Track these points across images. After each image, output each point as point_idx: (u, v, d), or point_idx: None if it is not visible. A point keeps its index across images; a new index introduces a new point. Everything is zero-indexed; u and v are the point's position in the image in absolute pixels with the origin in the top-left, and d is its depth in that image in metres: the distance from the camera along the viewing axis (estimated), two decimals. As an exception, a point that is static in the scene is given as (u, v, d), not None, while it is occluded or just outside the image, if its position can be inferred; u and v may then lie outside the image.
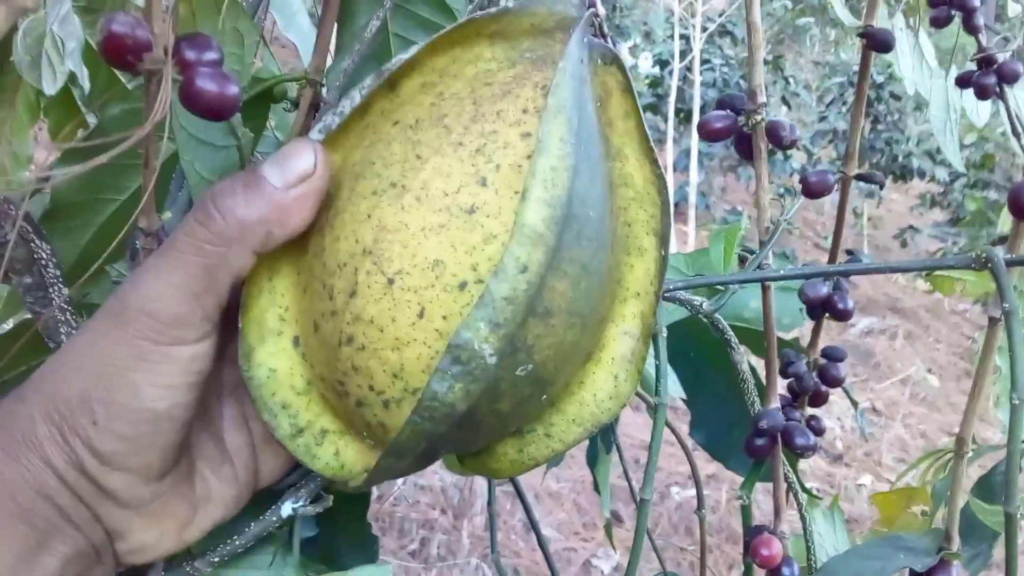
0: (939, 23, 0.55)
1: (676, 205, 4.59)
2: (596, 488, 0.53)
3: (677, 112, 4.75)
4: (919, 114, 5.19)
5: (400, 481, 2.13)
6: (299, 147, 0.30)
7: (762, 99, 0.44)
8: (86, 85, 0.59)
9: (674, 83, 4.32)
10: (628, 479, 0.79)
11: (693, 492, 2.37)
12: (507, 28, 0.31)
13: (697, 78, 4.28)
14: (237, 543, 0.33)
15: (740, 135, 0.45)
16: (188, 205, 0.36)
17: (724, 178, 5.78)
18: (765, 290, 0.44)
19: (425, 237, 0.28)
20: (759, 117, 0.44)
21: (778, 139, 0.44)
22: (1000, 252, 0.37)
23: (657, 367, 0.37)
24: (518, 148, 0.29)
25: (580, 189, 0.29)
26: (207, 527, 0.32)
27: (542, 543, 0.54)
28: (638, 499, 0.39)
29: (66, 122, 0.62)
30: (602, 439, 0.47)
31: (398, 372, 0.29)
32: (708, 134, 0.45)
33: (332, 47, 0.39)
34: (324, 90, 0.39)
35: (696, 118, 4.15)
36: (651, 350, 0.35)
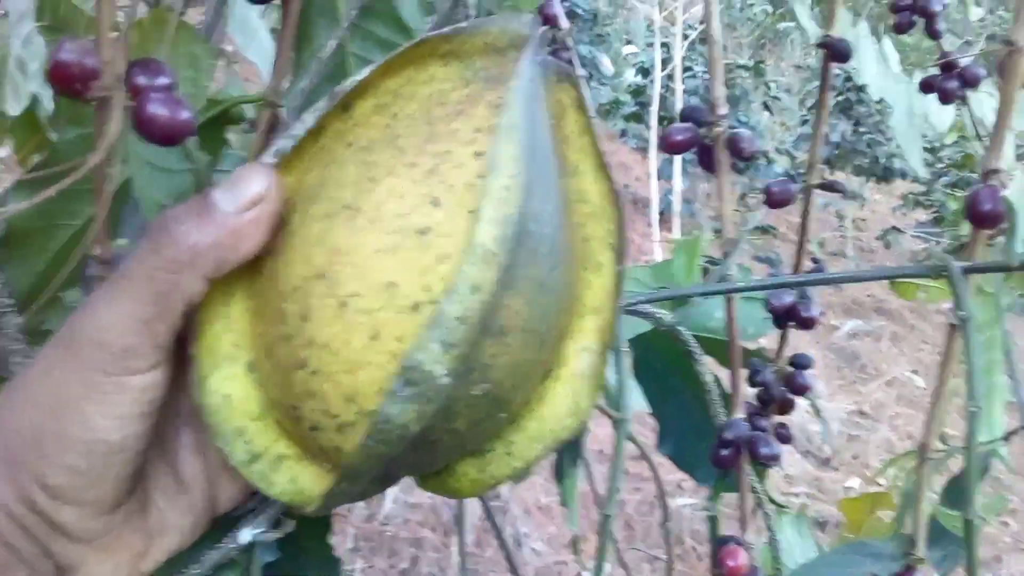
0: (901, 28, 0.56)
1: (661, 213, 4.59)
2: (563, 503, 0.53)
3: (660, 120, 4.77)
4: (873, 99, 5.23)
5: (390, 500, 2.12)
6: (251, 171, 0.30)
7: (722, 111, 0.45)
8: (49, 106, 0.59)
9: (656, 91, 4.33)
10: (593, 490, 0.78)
11: (680, 501, 2.37)
12: (460, 48, 0.31)
13: (679, 86, 4.30)
14: (195, 573, 0.33)
15: (702, 147, 0.45)
16: (142, 232, 0.36)
17: (709, 184, 5.80)
18: (729, 301, 0.44)
19: (378, 259, 0.28)
20: (719, 129, 0.44)
21: (738, 151, 0.44)
22: (954, 260, 0.37)
23: (619, 382, 0.37)
24: (471, 167, 0.29)
25: (534, 207, 0.29)
26: (162, 558, 0.32)
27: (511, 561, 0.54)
28: (600, 514, 0.39)
29: (29, 142, 0.62)
30: (567, 454, 0.47)
31: (352, 395, 0.28)
32: (670, 147, 0.45)
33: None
34: (283, 111, 0.39)
35: (679, 124, 4.17)
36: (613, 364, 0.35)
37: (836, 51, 0.48)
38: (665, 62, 4.44)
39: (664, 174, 4.94)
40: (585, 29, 5.71)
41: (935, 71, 0.55)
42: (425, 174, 0.29)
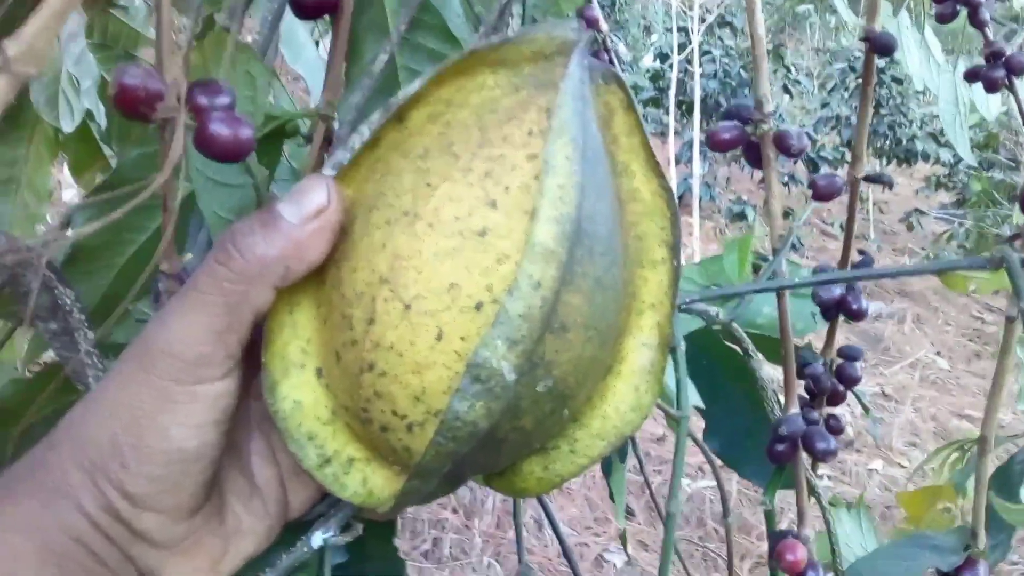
0: (944, 19, 0.55)
1: (680, 197, 4.58)
2: (612, 497, 0.54)
3: (678, 104, 4.75)
4: (922, 97, 5.17)
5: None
6: (313, 184, 0.31)
7: (769, 108, 0.45)
8: (103, 121, 0.60)
9: (674, 76, 4.31)
10: (645, 476, 0.79)
11: (701, 484, 2.37)
12: (509, 56, 0.32)
13: (697, 70, 4.27)
14: (269, 575, 0.34)
15: (748, 144, 0.45)
16: (208, 245, 0.37)
17: (728, 168, 5.77)
18: (780, 297, 0.44)
19: (439, 261, 0.29)
20: (766, 127, 0.44)
21: (786, 148, 0.44)
22: (1014, 251, 0.37)
23: (677, 380, 0.37)
24: (525, 169, 0.30)
25: (588, 206, 0.29)
26: (239, 562, 0.33)
27: (561, 539, 0.54)
28: (664, 511, 0.39)
29: (85, 157, 0.63)
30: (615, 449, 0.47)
31: (420, 395, 0.29)
32: (717, 145, 0.45)
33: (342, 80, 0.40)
34: (336, 124, 0.39)
35: (697, 109, 4.14)
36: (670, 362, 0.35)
37: (879, 44, 0.48)
38: (682, 46, 4.41)
39: (683, 159, 4.92)
40: (603, 15, 5.68)
41: (980, 61, 0.55)
42: (480, 178, 0.29)
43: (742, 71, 5.11)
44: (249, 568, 0.33)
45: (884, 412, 3.24)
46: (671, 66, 4.41)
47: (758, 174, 5.46)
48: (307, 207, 0.30)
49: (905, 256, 5.28)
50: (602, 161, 0.31)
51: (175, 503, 0.30)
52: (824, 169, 5.12)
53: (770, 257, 0.44)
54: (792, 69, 5.43)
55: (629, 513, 2.25)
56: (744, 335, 0.42)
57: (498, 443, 0.30)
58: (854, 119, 5.28)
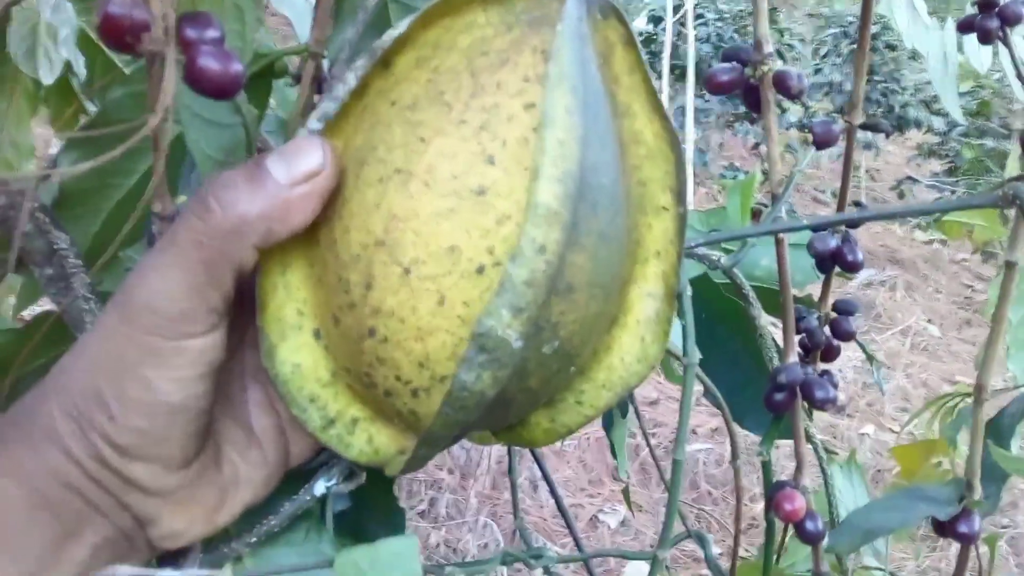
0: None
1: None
2: (613, 453, 0.53)
3: (672, 69, 4.71)
4: (915, 64, 5.14)
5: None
6: (307, 144, 0.29)
7: (768, 49, 0.43)
8: (82, 72, 0.58)
9: (668, 39, 4.27)
10: (646, 437, 0.79)
11: (695, 447, 2.38)
12: None
13: (691, 33, 4.23)
14: (272, 523, 0.34)
15: (747, 87, 0.44)
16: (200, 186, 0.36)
17: (721, 134, 5.75)
18: (779, 243, 0.44)
19: (437, 223, 0.28)
20: (766, 68, 0.43)
21: (786, 88, 0.43)
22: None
23: (684, 327, 0.37)
24: (523, 120, 0.28)
25: (591, 158, 0.28)
26: (238, 511, 0.33)
27: (557, 498, 0.54)
28: (672, 460, 0.39)
29: (65, 109, 0.61)
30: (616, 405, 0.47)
31: (424, 361, 0.28)
32: (715, 87, 0.44)
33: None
34: (326, 63, 0.38)
35: (691, 74, 4.11)
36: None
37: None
38: (676, 8, 4.37)
39: (676, 123, 4.89)
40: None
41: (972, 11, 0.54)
42: (475, 131, 0.28)
43: (735, 35, 5.07)
44: (252, 515, 0.33)
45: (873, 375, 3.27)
46: (664, 29, 4.38)
47: (751, 140, 5.44)
48: (299, 168, 0.29)
49: (896, 223, 5.28)
50: (603, 104, 0.30)
51: (165, 453, 0.30)
52: (817, 136, 5.09)
53: (769, 205, 0.44)
54: (785, 34, 5.39)
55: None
56: (745, 283, 0.41)
57: (506, 404, 0.30)
58: (847, 85, 5.26)
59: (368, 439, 0.31)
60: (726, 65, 0.43)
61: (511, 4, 0.30)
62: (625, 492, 0.60)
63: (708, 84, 0.43)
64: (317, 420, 0.31)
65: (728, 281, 0.46)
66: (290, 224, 0.29)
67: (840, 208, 0.52)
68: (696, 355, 0.36)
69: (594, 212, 0.28)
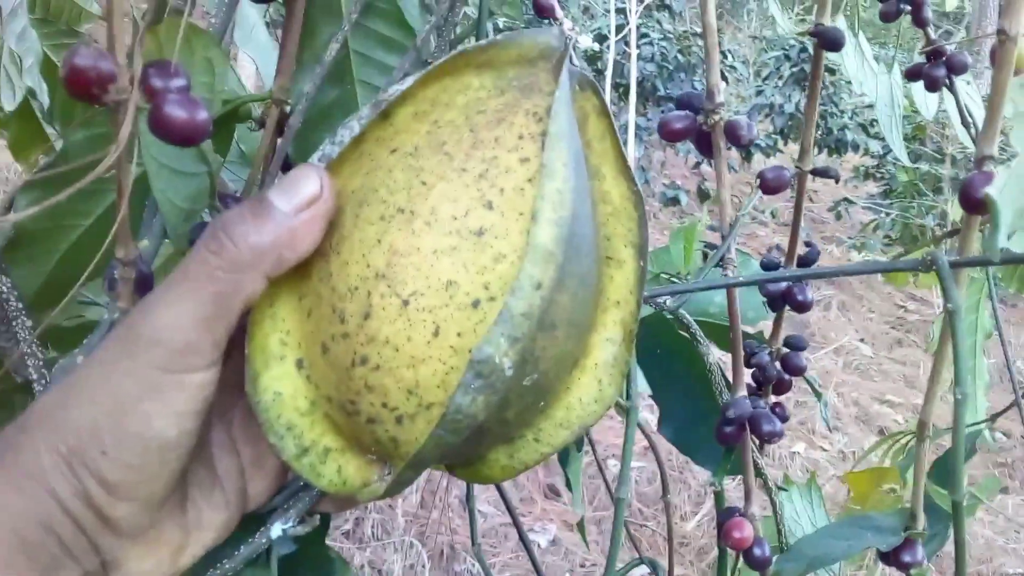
0: (889, 17, 0.57)
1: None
2: (568, 486, 0.54)
3: (615, 87, 4.77)
4: (852, 88, 5.28)
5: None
6: (305, 173, 0.31)
7: (720, 99, 0.45)
8: (45, 100, 0.58)
9: (611, 57, 4.31)
10: (598, 462, 0.80)
11: (633, 464, 2.41)
12: (493, 59, 0.33)
13: (634, 52, 4.29)
14: (228, 566, 0.34)
15: (700, 134, 0.46)
16: (163, 232, 0.36)
17: (664, 152, 5.83)
18: (730, 289, 0.45)
19: (437, 259, 0.29)
20: (717, 117, 0.45)
21: (736, 138, 0.45)
22: (943, 254, 0.39)
23: (628, 372, 0.38)
24: (519, 172, 0.31)
25: (578, 209, 0.30)
26: (199, 553, 0.33)
27: (525, 542, 0.54)
28: (613, 497, 0.40)
29: (26, 137, 0.61)
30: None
31: (413, 388, 0.30)
32: (669, 134, 0.46)
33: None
34: (288, 108, 0.38)
35: (633, 93, 4.16)
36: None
37: (827, 40, 0.49)
38: (620, 28, 4.42)
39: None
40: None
41: (917, 60, 0.56)
42: (476, 179, 0.30)
43: (679, 55, 5.16)
44: (208, 559, 0.33)
45: (807, 396, 3.33)
46: (608, 47, 4.43)
47: (692, 159, 5.54)
48: (300, 196, 0.30)
49: (833, 244, 5.41)
50: (583, 166, 0.33)
51: (149, 492, 0.30)
52: (757, 156, 5.21)
53: (716, 244, 0.45)
54: (728, 55, 5.50)
55: (554, 493, 2.28)
56: (692, 322, 0.42)
57: (483, 434, 0.31)
58: (787, 107, 5.39)
59: (337, 469, 0.32)
60: (680, 113, 0.45)
61: (503, 71, 0.33)
62: (580, 526, 0.60)
63: (662, 131, 0.45)
64: (292, 448, 0.32)
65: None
66: (299, 249, 0.30)
67: (791, 252, 0.53)
68: (637, 398, 0.37)
69: (577, 257, 0.31)
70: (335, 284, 0.30)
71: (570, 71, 0.33)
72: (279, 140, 0.39)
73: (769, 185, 0.49)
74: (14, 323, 0.36)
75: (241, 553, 0.34)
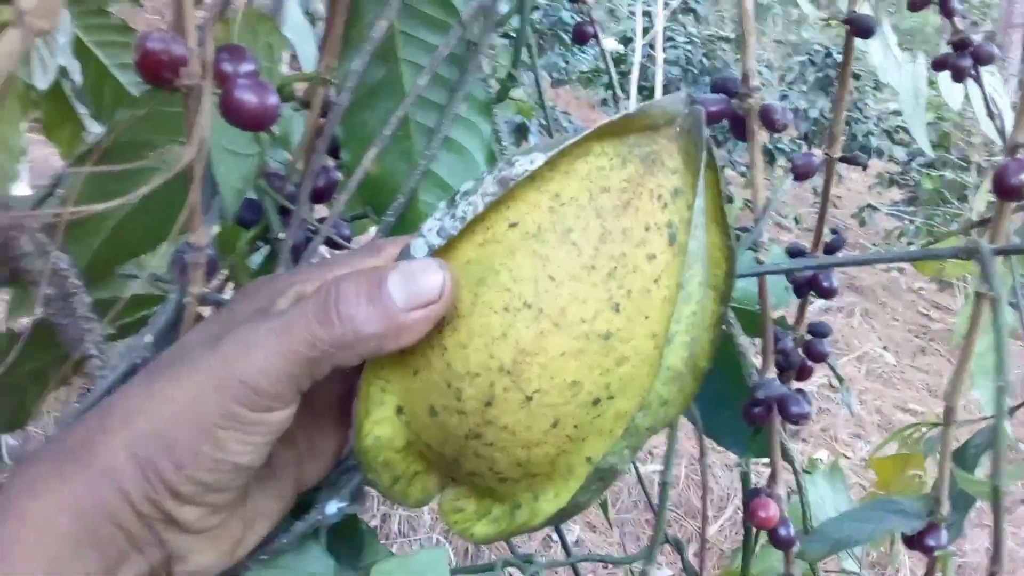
0: (916, 7, 0.57)
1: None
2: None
3: (640, 90, 4.76)
4: (877, 94, 5.24)
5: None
6: (430, 269, 0.31)
7: (755, 83, 0.45)
8: (77, 78, 0.59)
9: (637, 60, 4.31)
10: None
11: (650, 468, 2.40)
12: (620, 128, 0.32)
13: (660, 56, 4.29)
14: (284, 541, 0.35)
15: (734, 118, 0.46)
16: (221, 216, 0.37)
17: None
18: (762, 281, 0.46)
19: (564, 361, 0.30)
20: (752, 100, 0.45)
21: (771, 122, 0.45)
22: (985, 241, 0.39)
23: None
24: (646, 272, 0.31)
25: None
26: (255, 542, 0.34)
27: (562, 538, 0.56)
28: (657, 483, 0.40)
29: (58, 115, 0.62)
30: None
31: (523, 463, 0.32)
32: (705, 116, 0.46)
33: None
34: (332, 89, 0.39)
35: (659, 95, 4.16)
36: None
37: (860, 27, 0.49)
38: (646, 31, 4.41)
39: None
40: None
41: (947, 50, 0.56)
42: (604, 278, 0.31)
43: (704, 59, 5.14)
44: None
45: (830, 403, 3.30)
46: (633, 50, 4.42)
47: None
48: (418, 295, 0.30)
49: (856, 251, 5.36)
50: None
51: (217, 501, 0.31)
52: (780, 160, 5.17)
53: (747, 228, 0.46)
54: (753, 61, 5.47)
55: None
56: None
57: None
58: (812, 112, 5.35)
59: (422, 488, 0.34)
60: (716, 96, 0.45)
61: (625, 136, 0.32)
62: (604, 505, 0.61)
63: (698, 115, 0.45)
64: (387, 481, 0.34)
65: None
66: (400, 343, 0.31)
67: (816, 239, 0.54)
68: None
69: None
70: (450, 360, 0.31)
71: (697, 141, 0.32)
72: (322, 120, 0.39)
73: (799, 170, 0.49)
74: (72, 299, 0.37)
75: (297, 528, 0.35)
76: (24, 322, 0.44)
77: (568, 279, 0.30)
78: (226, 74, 0.30)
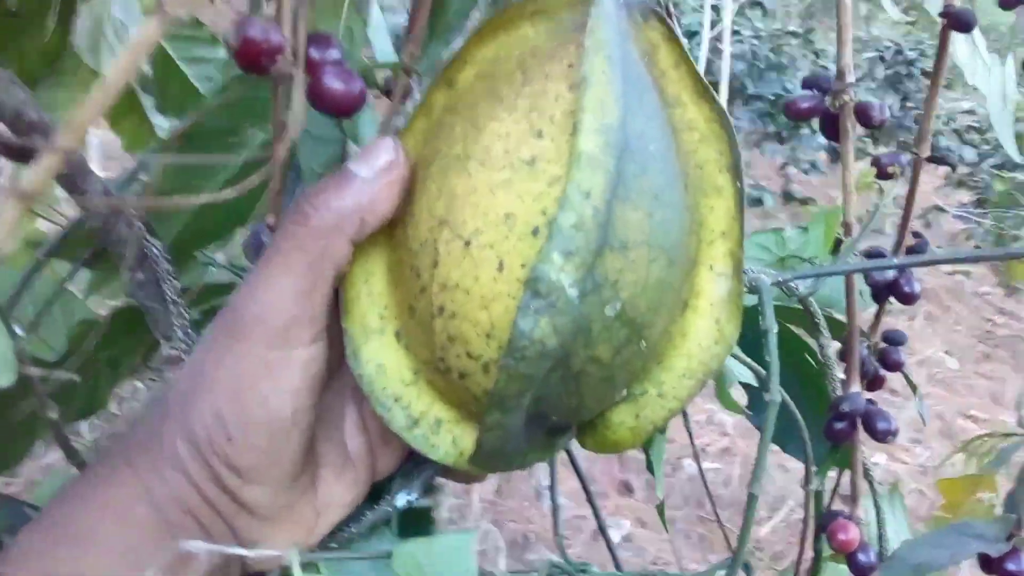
0: (1010, 4, 0.54)
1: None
2: (650, 468, 0.54)
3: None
4: (948, 93, 5.10)
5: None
6: (380, 142, 0.32)
7: (850, 79, 0.43)
8: (146, 68, 0.60)
9: (703, 54, 4.26)
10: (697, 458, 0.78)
11: (710, 465, 2.38)
12: (547, 5, 0.33)
13: (727, 49, 4.24)
14: (353, 531, 0.35)
15: (826, 115, 0.45)
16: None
17: (749, 153, 5.73)
18: (850, 282, 0.44)
19: (493, 194, 0.29)
20: (847, 97, 0.44)
21: (868, 119, 0.43)
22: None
23: (767, 363, 0.37)
24: (568, 98, 0.30)
25: (636, 124, 0.30)
26: (327, 530, 0.34)
27: (604, 532, 0.54)
28: (747, 493, 0.38)
29: (123, 105, 0.63)
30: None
31: (490, 331, 0.29)
32: (795, 113, 0.44)
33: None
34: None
35: (725, 91, 4.12)
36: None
37: (959, 20, 0.47)
38: (713, 24, 4.36)
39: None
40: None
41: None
42: (526, 113, 0.30)
43: (771, 54, 5.05)
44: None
45: (891, 407, 3.23)
46: (699, 44, 4.37)
47: (777, 159, 5.42)
48: (377, 163, 0.31)
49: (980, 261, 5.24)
50: (649, 91, 0.32)
51: (277, 474, 0.31)
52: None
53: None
54: (819, 55, 5.37)
55: (628, 489, 2.26)
56: (818, 309, 0.42)
57: (575, 376, 0.30)
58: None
59: (453, 440, 0.32)
60: (806, 93, 0.44)
61: (557, 15, 0.33)
62: (660, 508, 0.60)
63: (788, 110, 0.44)
64: (402, 420, 0.32)
65: (778, 304, 0.46)
66: (379, 212, 0.31)
67: (899, 241, 0.52)
68: (778, 395, 0.36)
69: (644, 173, 0.30)
70: (410, 244, 0.31)
71: (626, 2, 0.32)
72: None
73: (884, 170, 0.47)
74: (163, 284, 0.37)
75: (367, 519, 0.35)
76: (107, 307, 0.45)
77: (490, 121, 0.30)
78: (314, 61, 0.30)
